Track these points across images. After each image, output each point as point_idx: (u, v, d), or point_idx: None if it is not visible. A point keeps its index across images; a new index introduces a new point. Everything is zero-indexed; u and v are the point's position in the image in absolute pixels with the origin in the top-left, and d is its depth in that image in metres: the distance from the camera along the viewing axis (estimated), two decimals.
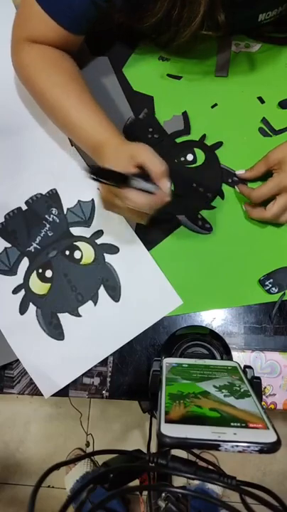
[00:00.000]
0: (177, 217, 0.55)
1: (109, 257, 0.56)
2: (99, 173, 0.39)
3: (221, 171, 0.56)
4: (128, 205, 0.43)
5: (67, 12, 0.49)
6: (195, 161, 0.57)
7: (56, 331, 0.55)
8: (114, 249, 0.56)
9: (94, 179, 0.38)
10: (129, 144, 0.48)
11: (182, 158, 0.57)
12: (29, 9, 0.50)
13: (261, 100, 0.58)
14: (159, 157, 0.44)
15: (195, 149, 0.57)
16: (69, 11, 0.49)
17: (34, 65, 0.53)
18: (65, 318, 0.55)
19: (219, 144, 0.57)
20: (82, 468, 1.18)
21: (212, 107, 0.59)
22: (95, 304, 0.55)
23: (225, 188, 0.56)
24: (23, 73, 0.55)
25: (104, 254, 0.56)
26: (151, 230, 0.56)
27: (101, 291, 0.55)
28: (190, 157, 0.57)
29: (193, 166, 0.57)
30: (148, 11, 0.46)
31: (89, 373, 0.53)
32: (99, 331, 0.54)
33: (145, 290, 0.54)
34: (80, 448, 1.26)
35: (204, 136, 0.58)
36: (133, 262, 0.55)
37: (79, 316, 0.55)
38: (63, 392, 0.53)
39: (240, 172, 0.55)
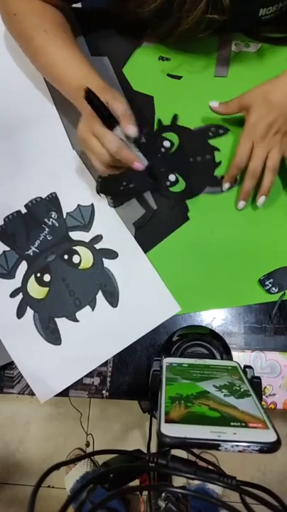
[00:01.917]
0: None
1: (107, 262, 0.55)
2: (93, 100, 0.41)
3: (198, 132, 0.58)
4: (103, 144, 0.44)
5: None
6: (172, 145, 0.58)
7: (53, 336, 0.54)
8: (112, 255, 0.56)
9: (87, 101, 0.41)
10: (112, 90, 0.48)
11: (163, 149, 0.58)
12: None
13: None
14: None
15: (165, 135, 0.59)
16: None
17: (20, 13, 0.53)
18: (62, 322, 0.55)
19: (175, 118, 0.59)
20: (82, 468, 1.18)
21: None
22: (93, 309, 0.54)
23: (213, 141, 0.57)
24: (9, 22, 0.56)
25: (103, 259, 0.56)
26: (152, 229, 0.56)
27: (99, 297, 0.55)
28: (167, 144, 0.58)
29: (174, 149, 0.58)
30: None
31: (89, 373, 0.53)
32: (97, 336, 0.54)
33: (143, 296, 0.54)
34: (80, 448, 1.26)
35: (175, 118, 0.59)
36: (132, 267, 0.55)
37: (77, 321, 0.54)
38: (63, 392, 0.53)
39: (214, 103, 0.55)
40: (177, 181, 0.57)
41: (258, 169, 0.52)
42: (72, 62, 0.51)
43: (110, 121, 0.43)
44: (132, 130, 0.44)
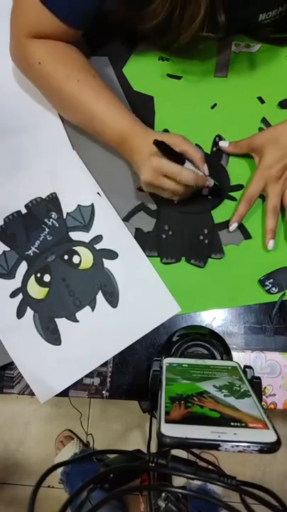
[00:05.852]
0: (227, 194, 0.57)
1: (107, 263, 0.55)
2: (164, 148, 0.46)
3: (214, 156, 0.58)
4: (179, 181, 0.47)
5: (67, 8, 0.49)
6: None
7: (53, 336, 0.54)
8: (112, 255, 0.56)
9: (160, 150, 0.45)
10: (160, 134, 0.51)
11: None
12: (26, 4, 0.50)
13: (261, 100, 0.58)
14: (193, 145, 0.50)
15: None
16: (70, 6, 0.49)
17: (45, 62, 0.52)
18: (62, 323, 0.55)
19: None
20: (71, 448, 1.18)
21: (212, 107, 0.59)
22: (93, 310, 0.54)
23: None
24: (32, 72, 0.54)
25: (103, 260, 0.56)
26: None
27: (99, 297, 0.55)
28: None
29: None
30: (149, 12, 0.46)
31: (89, 373, 0.53)
32: (97, 336, 0.54)
33: (143, 296, 0.54)
34: (69, 429, 1.26)
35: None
36: (132, 268, 0.55)
37: (77, 321, 0.54)
38: (63, 392, 0.53)
39: (223, 144, 0.56)
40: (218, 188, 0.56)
41: (278, 206, 0.53)
42: (107, 112, 0.51)
43: (180, 159, 0.48)
44: (207, 170, 0.51)
